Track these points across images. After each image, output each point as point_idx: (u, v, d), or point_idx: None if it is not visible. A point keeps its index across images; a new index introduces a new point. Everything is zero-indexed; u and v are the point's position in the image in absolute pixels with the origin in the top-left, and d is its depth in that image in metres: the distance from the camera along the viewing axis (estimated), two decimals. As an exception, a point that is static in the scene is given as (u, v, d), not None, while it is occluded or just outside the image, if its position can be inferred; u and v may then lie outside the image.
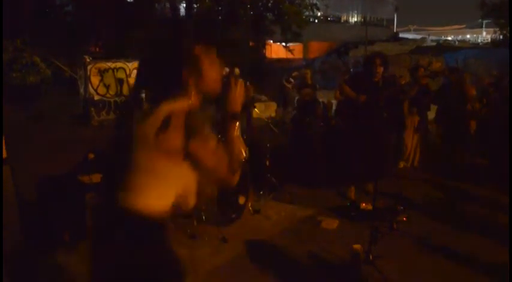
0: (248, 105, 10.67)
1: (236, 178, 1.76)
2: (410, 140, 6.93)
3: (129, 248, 1.66)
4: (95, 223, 1.89)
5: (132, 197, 1.66)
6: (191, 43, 1.72)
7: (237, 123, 1.81)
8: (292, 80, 12.19)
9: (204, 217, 4.45)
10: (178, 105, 1.62)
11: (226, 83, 1.82)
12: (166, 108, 1.60)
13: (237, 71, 11.07)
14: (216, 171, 1.69)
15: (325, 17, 40.55)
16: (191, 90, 1.71)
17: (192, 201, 1.80)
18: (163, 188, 1.69)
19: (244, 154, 4.98)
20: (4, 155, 3.71)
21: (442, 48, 26.54)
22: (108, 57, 12.80)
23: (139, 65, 1.85)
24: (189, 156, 1.62)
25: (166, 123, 1.57)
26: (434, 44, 34.99)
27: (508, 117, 5.87)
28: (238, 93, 1.83)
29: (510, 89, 6.44)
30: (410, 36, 47.24)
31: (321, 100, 9.15)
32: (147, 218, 1.66)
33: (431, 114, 7.23)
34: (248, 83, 11.10)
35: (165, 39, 1.77)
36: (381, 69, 5.09)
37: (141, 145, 1.63)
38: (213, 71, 1.76)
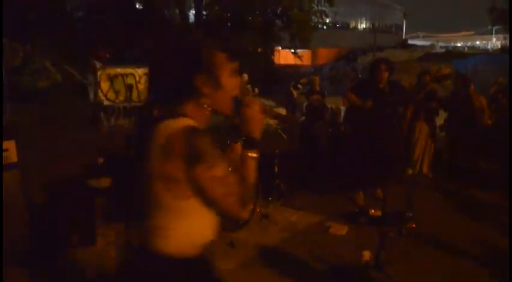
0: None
1: (247, 212, 1.55)
2: (419, 147, 6.88)
3: None
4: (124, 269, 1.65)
5: (157, 239, 1.49)
6: (213, 48, 1.53)
7: (254, 152, 1.54)
8: (300, 87, 12.23)
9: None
10: (179, 124, 1.42)
11: (241, 101, 1.55)
12: (166, 128, 1.42)
13: (245, 77, 11.12)
14: (223, 203, 1.45)
15: (334, 23, 40.62)
16: (203, 103, 1.51)
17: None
18: (185, 227, 1.49)
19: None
20: (14, 159, 3.73)
21: (452, 54, 26.48)
22: (117, 63, 12.90)
23: (150, 69, 1.63)
24: (193, 186, 1.41)
25: (166, 148, 1.39)
26: (443, 50, 34.94)
27: None
28: (253, 115, 1.54)
29: (510, 92, 6.40)
30: (419, 42, 47.22)
31: (329, 106, 9.16)
32: (178, 259, 1.49)
33: (439, 121, 7.20)
34: (256, 89, 11.18)
35: (183, 41, 1.58)
36: (386, 75, 5.09)
37: (153, 178, 1.45)
38: (231, 85, 1.54)
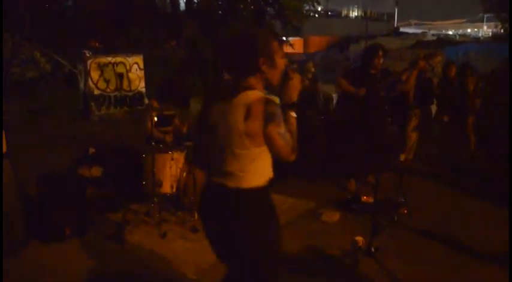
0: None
1: (294, 155, 2.05)
2: (413, 133, 6.90)
3: (245, 218, 2.05)
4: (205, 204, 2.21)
5: (235, 179, 2.02)
6: (271, 38, 2.07)
7: (293, 111, 2.07)
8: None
9: (204, 210, 4.44)
10: (257, 95, 1.94)
11: (285, 74, 2.10)
12: (246, 98, 1.93)
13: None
14: (282, 151, 1.99)
15: (326, 11, 40.47)
16: (262, 77, 2.05)
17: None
18: (259, 167, 2.04)
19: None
20: (4, 149, 3.69)
21: (443, 42, 26.46)
22: (108, 52, 12.76)
23: (219, 50, 2.08)
24: (265, 139, 1.94)
25: (249, 112, 1.90)
26: (435, 38, 34.90)
27: (508, 110, 5.86)
28: (295, 84, 2.11)
29: (510, 84, 6.41)
30: (411, 30, 47.11)
31: (321, 93, 9.13)
32: (252, 193, 2.04)
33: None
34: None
35: (247, 32, 2.15)
36: (382, 61, 5.06)
37: (233, 133, 1.94)
38: (281, 63, 2.09)
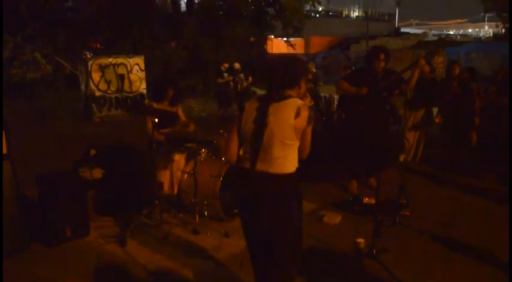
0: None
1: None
2: (412, 134, 6.89)
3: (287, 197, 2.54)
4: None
5: (278, 164, 2.49)
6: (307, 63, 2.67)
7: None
8: None
9: (206, 212, 4.43)
10: (301, 102, 2.53)
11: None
12: (295, 102, 2.49)
13: (236, 65, 11.03)
14: (308, 148, 2.61)
15: (327, 11, 40.48)
16: (301, 90, 2.65)
17: None
18: (295, 156, 2.56)
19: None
20: (4, 151, 3.68)
21: (444, 42, 26.45)
22: (109, 53, 12.76)
23: (273, 69, 2.62)
24: (303, 136, 2.53)
25: (298, 113, 2.44)
26: (436, 38, 34.91)
27: (508, 111, 5.82)
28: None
29: (510, 84, 6.36)
30: (412, 30, 47.09)
31: (322, 95, 9.13)
32: (291, 177, 2.54)
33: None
34: (250, 78, 11.04)
35: (291, 60, 2.68)
36: (383, 64, 5.02)
37: (286, 127, 2.45)
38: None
